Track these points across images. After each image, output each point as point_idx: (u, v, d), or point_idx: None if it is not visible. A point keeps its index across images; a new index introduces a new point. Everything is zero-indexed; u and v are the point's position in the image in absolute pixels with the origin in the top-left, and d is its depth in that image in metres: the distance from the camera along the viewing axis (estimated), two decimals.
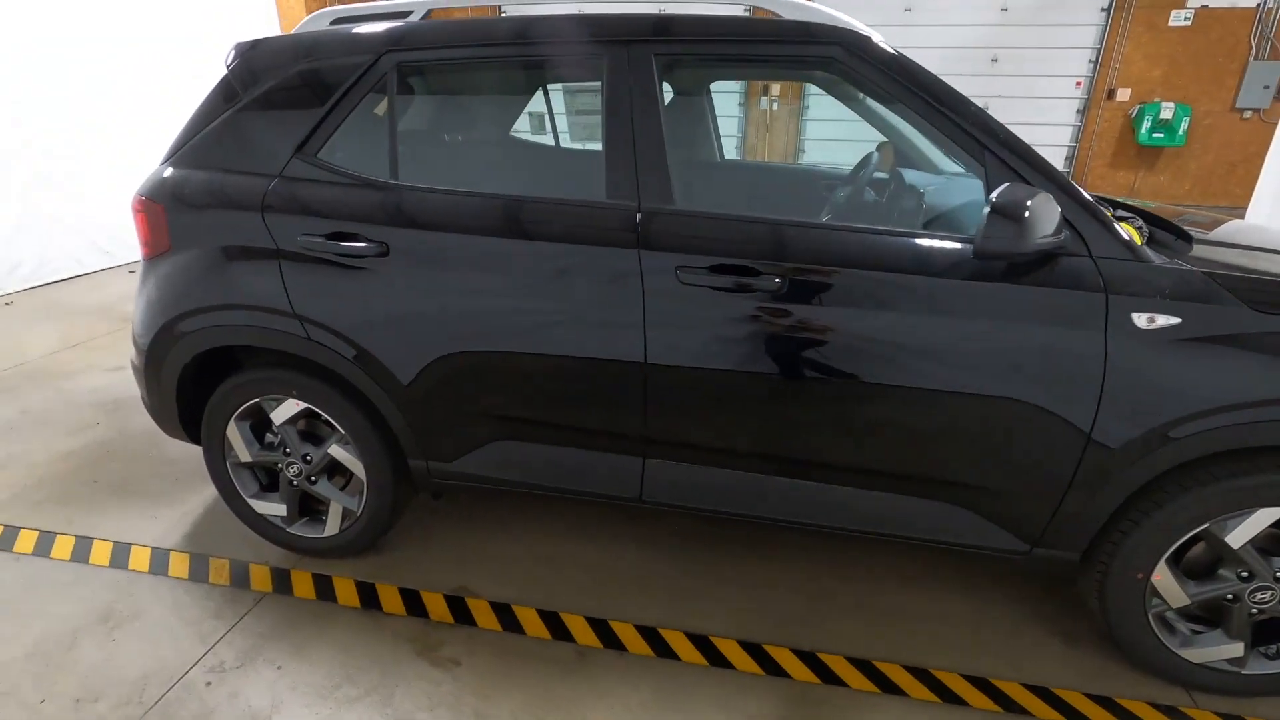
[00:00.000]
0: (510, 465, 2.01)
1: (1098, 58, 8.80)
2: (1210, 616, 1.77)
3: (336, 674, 1.84)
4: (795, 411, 1.76)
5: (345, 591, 2.14)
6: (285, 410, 2.09)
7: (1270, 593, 1.66)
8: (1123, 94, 8.90)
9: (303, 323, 1.94)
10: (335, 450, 2.10)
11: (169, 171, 2.06)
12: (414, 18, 2.00)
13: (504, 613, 2.06)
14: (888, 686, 1.82)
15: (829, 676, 1.85)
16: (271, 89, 1.98)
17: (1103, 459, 1.61)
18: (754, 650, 1.93)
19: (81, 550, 2.31)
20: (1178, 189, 9.06)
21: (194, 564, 2.25)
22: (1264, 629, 1.73)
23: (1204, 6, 8.40)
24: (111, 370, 3.75)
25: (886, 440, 1.74)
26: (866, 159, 2.74)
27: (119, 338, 4.26)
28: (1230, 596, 1.68)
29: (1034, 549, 1.77)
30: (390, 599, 2.11)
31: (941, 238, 1.65)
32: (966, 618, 2.06)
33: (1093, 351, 1.56)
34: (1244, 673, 1.74)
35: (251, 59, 2.03)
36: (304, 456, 2.14)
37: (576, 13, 1.91)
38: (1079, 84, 8.97)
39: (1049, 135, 9.22)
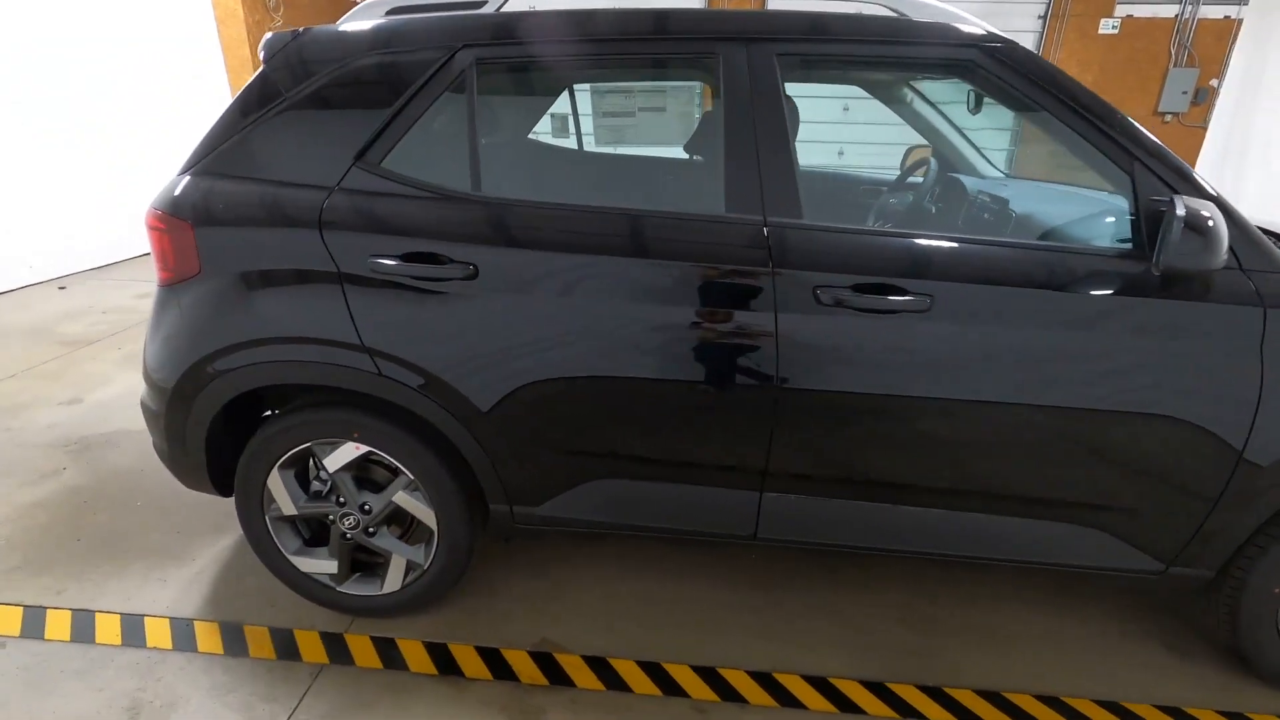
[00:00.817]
0: (609, 506, 1.82)
1: None
2: None
3: None
4: (938, 435, 1.65)
5: (415, 656, 1.89)
6: (342, 455, 1.83)
7: None
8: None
9: (373, 356, 1.69)
10: (400, 497, 1.85)
11: (193, 182, 1.77)
12: (488, 9, 1.78)
13: (601, 668, 1.87)
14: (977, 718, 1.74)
15: (964, 714, 1.76)
16: (323, 87, 1.72)
17: (1253, 476, 1.57)
18: (878, 690, 1.82)
19: (83, 627, 1.97)
20: None
21: (226, 635, 1.95)
22: None
23: (1129, 16, 8.91)
24: (67, 404, 3.29)
25: (1027, 463, 1.65)
26: (917, 165, 2.67)
27: (68, 364, 3.76)
28: None
29: (1170, 568, 1.72)
30: (470, 662, 1.88)
31: (1101, 253, 1.57)
32: (1076, 638, 2.01)
33: (1250, 366, 1.51)
34: None
35: (297, 52, 1.75)
36: (362, 506, 1.88)
37: (681, 8, 1.73)
38: None
39: (992, 139, 9.57)
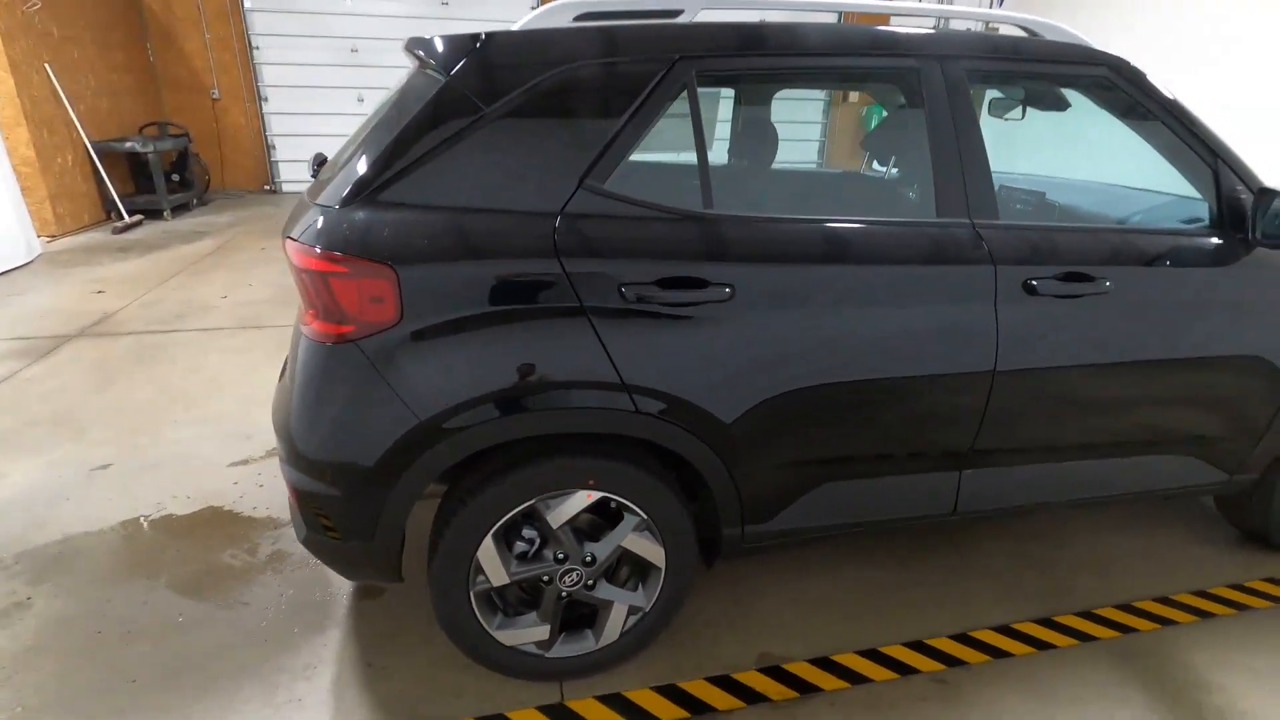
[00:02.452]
0: (833, 509, 1.86)
1: None
2: None
3: None
4: (1108, 396, 1.93)
5: (655, 704, 1.78)
6: (570, 507, 1.65)
7: None
8: (853, 95, 10.68)
9: (630, 393, 1.55)
10: (630, 540, 1.72)
11: (377, 216, 1.47)
12: (684, 17, 1.69)
13: (831, 666, 1.91)
14: (1165, 621, 2.11)
15: (1114, 625, 2.09)
16: (530, 101, 1.52)
17: None
18: (1046, 623, 2.08)
19: None
20: None
21: None
22: None
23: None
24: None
25: (1161, 409, 2.00)
26: None
27: None
28: None
29: (1233, 477, 2.19)
30: (712, 695, 1.81)
31: (1203, 234, 1.95)
32: (1158, 550, 2.45)
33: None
34: None
35: (490, 61, 1.53)
36: (584, 559, 1.71)
37: (889, 28, 1.80)
38: None
39: (805, 131, 10.70)
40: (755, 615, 2.09)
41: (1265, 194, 1.86)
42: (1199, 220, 2.04)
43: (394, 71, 8.99)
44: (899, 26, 1.70)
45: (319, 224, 1.48)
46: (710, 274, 1.57)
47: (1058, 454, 1.99)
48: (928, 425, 1.83)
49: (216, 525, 2.46)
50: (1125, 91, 1.89)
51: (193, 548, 2.33)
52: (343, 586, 2.17)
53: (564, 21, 1.62)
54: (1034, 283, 1.76)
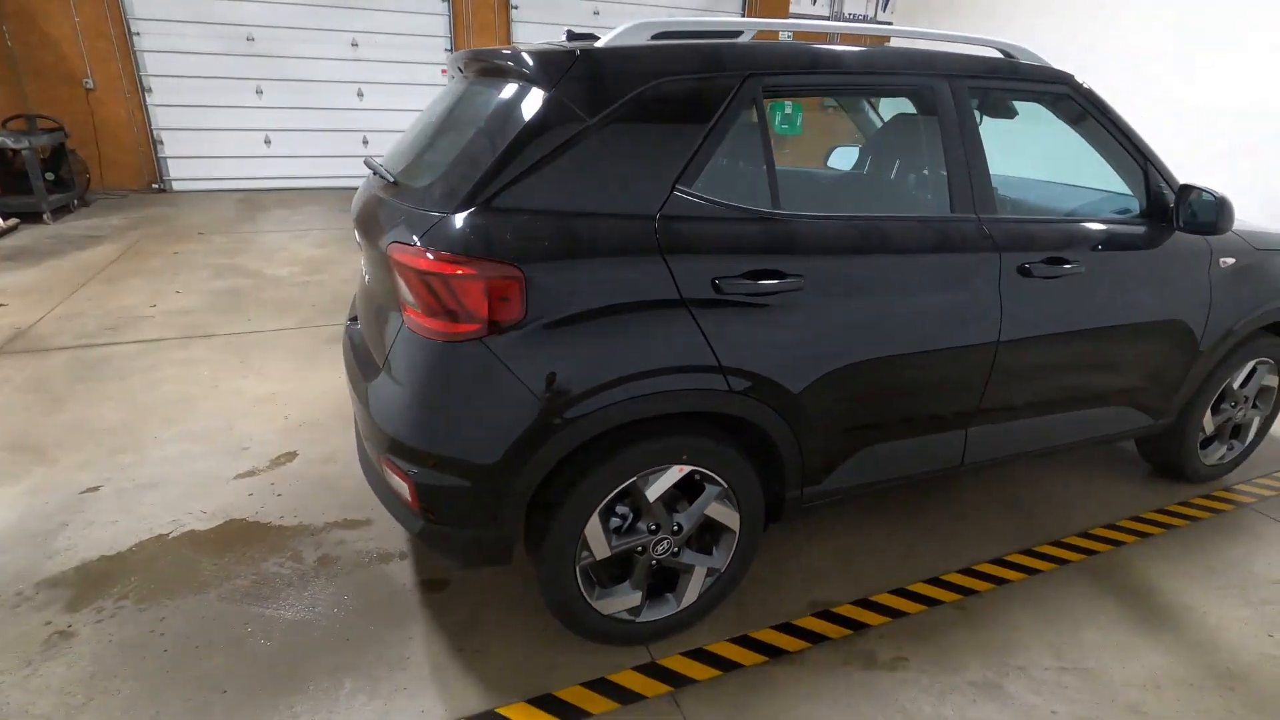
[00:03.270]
0: (872, 468, 2.13)
1: None
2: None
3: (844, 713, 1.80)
4: (1079, 358, 2.32)
5: (738, 653, 1.99)
6: (665, 481, 1.81)
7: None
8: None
9: (725, 374, 1.74)
10: (713, 508, 1.91)
11: (499, 220, 1.57)
12: (744, 38, 1.88)
13: (871, 605, 2.20)
14: (1116, 542, 2.56)
15: (1088, 551, 2.51)
16: (628, 112, 1.67)
17: (1199, 355, 2.56)
18: (1027, 553, 2.48)
19: None
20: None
21: (554, 709, 1.79)
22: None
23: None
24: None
25: (1116, 365, 2.42)
26: None
27: None
28: None
29: (1156, 421, 2.68)
30: (782, 640, 2.05)
31: (1140, 222, 2.37)
32: (1097, 488, 2.91)
33: (1205, 284, 2.47)
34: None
35: (591, 73, 1.66)
36: (674, 528, 1.89)
37: (908, 48, 2.06)
38: None
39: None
40: (796, 570, 2.34)
41: (1186, 190, 2.30)
42: (1130, 211, 2.48)
43: (297, 62, 8.56)
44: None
45: (441, 229, 1.56)
46: (786, 266, 1.78)
47: (1038, 409, 2.36)
48: (947, 389, 2.14)
49: (247, 537, 2.41)
50: (1079, 104, 2.28)
51: (231, 561, 2.28)
52: (404, 583, 2.22)
53: (644, 39, 1.77)
54: (1028, 266, 2.11)
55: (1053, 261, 2.15)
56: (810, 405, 1.89)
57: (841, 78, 1.96)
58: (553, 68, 1.65)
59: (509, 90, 1.73)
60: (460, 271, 1.54)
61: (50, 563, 2.24)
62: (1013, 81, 2.20)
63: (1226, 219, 2.25)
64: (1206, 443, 2.88)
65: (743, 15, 10.69)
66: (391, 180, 1.90)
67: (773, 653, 2.00)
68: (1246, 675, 2.00)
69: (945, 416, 2.19)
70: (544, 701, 1.81)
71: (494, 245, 1.55)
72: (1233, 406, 2.84)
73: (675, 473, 1.82)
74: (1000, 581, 2.33)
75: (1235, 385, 2.78)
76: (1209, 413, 2.78)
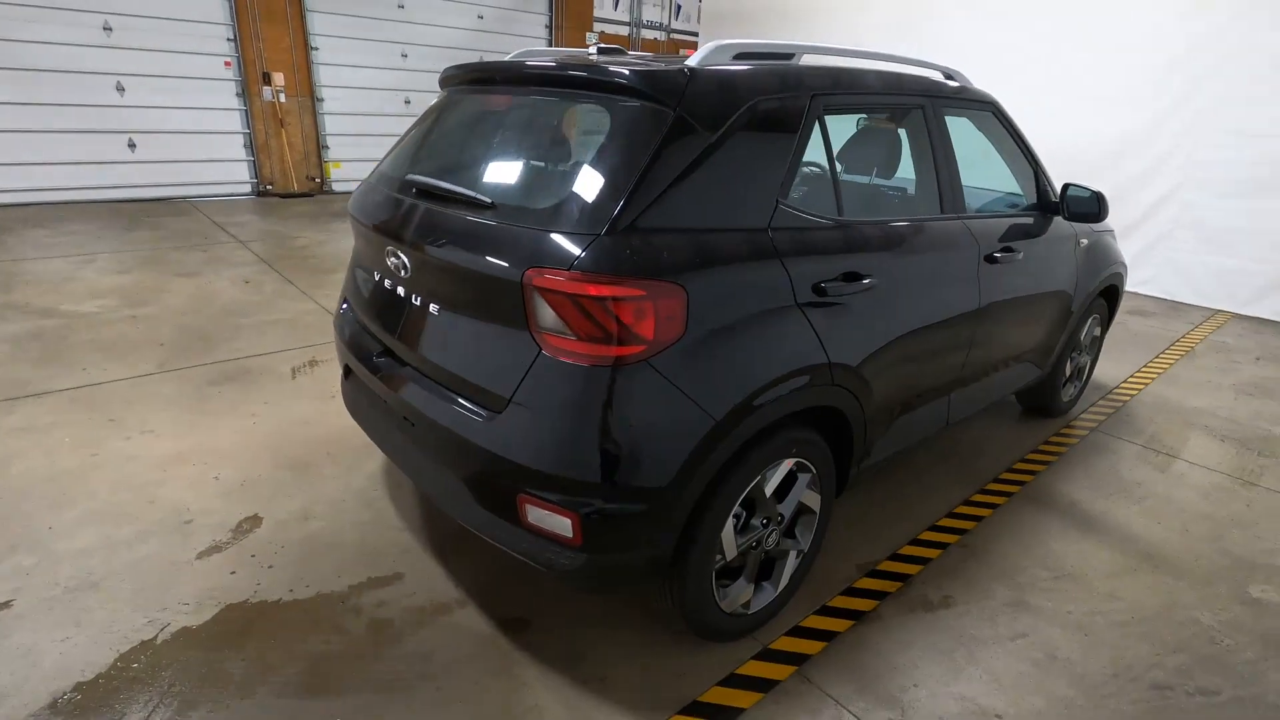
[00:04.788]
0: (898, 438, 2.42)
1: None
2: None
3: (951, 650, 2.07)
4: (1015, 325, 2.83)
5: (825, 623, 2.17)
6: (778, 476, 1.93)
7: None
8: None
9: (831, 369, 1.90)
10: (805, 494, 2.07)
11: (655, 240, 1.57)
12: (796, 59, 2.02)
13: (900, 558, 2.51)
14: (1033, 472, 3.17)
15: (1019, 483, 3.08)
16: (736, 131, 1.74)
17: (1073, 313, 3.27)
18: (981, 505, 2.99)
19: None
20: None
21: (705, 713, 1.82)
22: None
23: (603, 32, 11.44)
24: None
25: (1030, 328, 2.99)
26: None
27: None
28: None
29: (1042, 372, 3.35)
30: (855, 603, 2.26)
31: (1035, 213, 2.95)
32: (1001, 432, 3.54)
33: (1072, 260, 3.16)
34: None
35: (707, 91, 1.69)
36: (779, 519, 2.01)
37: (906, 73, 2.35)
38: None
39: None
40: (829, 540, 2.58)
41: (1068, 187, 2.92)
42: (1020, 205, 3.07)
43: (31, 49, 6.92)
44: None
45: (599, 252, 1.52)
46: (861, 267, 1.98)
47: (987, 370, 2.85)
48: (950, 357, 2.50)
49: (261, 621, 2.06)
50: (997, 119, 2.79)
51: (262, 651, 1.95)
52: (481, 630, 2.07)
53: (727, 60, 1.85)
54: (996, 255, 2.54)
55: (1006, 250, 2.61)
56: (873, 386, 2.12)
57: (873, 98, 2.21)
58: (670, 86, 1.67)
59: (621, 107, 1.70)
60: (626, 293, 1.51)
61: (16, 697, 1.73)
62: (963, 103, 2.62)
63: (1105, 208, 2.90)
64: (1064, 384, 3.66)
65: (549, 22, 10.77)
66: (479, 198, 1.75)
67: (854, 616, 2.21)
68: (1161, 554, 2.64)
69: (943, 382, 2.56)
70: (695, 709, 1.84)
71: (659, 265, 1.55)
72: (1078, 354, 3.63)
73: (786, 466, 1.94)
74: (978, 519, 2.79)
75: (1080, 336, 3.57)
76: (1068, 361, 3.54)
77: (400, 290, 1.99)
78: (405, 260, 1.90)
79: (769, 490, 1.92)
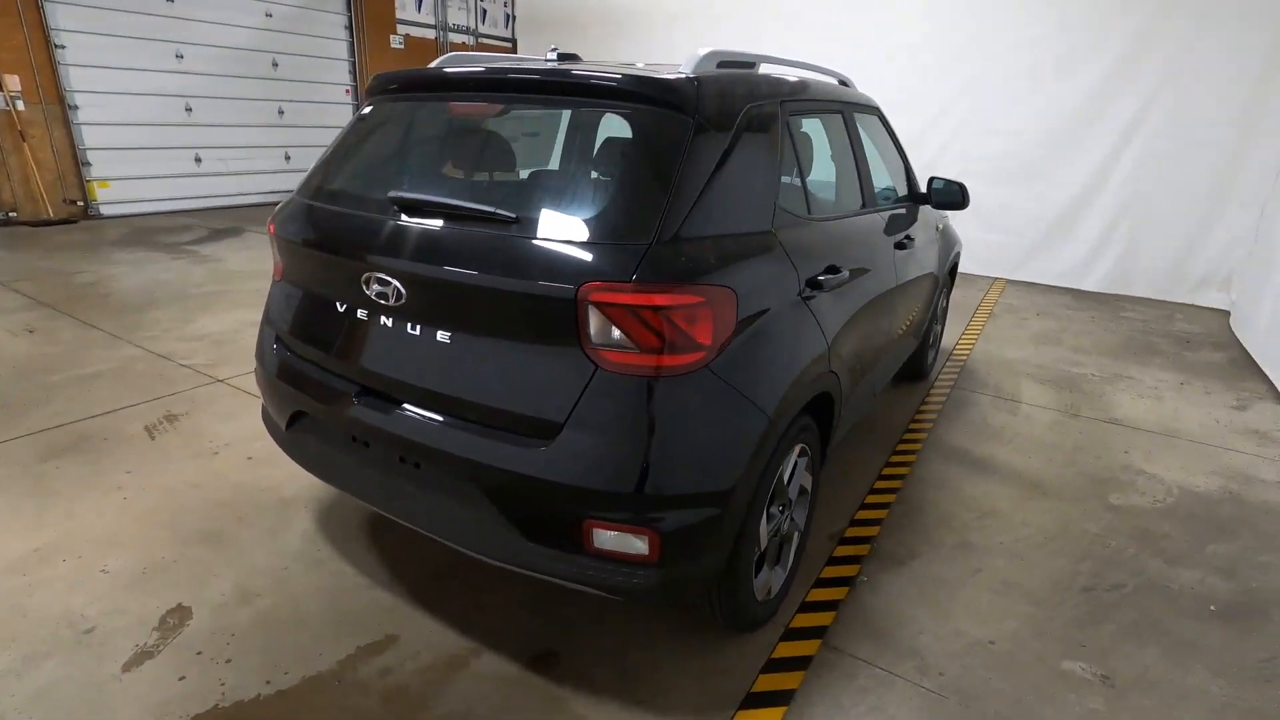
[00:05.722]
0: (852, 415, 2.63)
1: (353, 68, 10.25)
2: None
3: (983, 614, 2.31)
4: (908, 302, 3.19)
5: (829, 593, 2.31)
6: (790, 462, 2.02)
7: None
8: None
9: (829, 356, 2.03)
10: (804, 476, 2.18)
11: (703, 247, 1.58)
12: (760, 69, 2.11)
13: (859, 522, 2.75)
14: (924, 429, 3.61)
15: (919, 440, 3.50)
16: (740, 137, 1.79)
17: (940, 289, 3.77)
18: (905, 450, 3.35)
19: None
20: None
21: (764, 702, 1.86)
22: None
23: (408, 35, 10.85)
24: None
25: (919, 302, 3.39)
26: None
27: None
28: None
29: (916, 343, 3.82)
30: (843, 570, 2.44)
31: (911, 202, 3.36)
32: (888, 398, 3.96)
33: (937, 242, 3.65)
34: None
35: (713, 96, 1.72)
36: (788, 503, 2.11)
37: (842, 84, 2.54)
38: (348, 91, 10.25)
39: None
40: None
41: (933, 180, 3.36)
42: (894, 197, 3.48)
43: None
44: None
45: (657, 264, 1.49)
46: (835, 259, 2.14)
47: (895, 343, 3.19)
48: (881, 335, 2.76)
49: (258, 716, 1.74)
50: (879, 120, 3.13)
51: None
52: (510, 674, 1.93)
53: (712, 68, 1.89)
54: (905, 240, 2.87)
55: (907, 238, 2.96)
56: (847, 366, 2.29)
57: (817, 104, 2.38)
58: (686, 93, 1.68)
59: (641, 116, 1.67)
60: (689, 301, 1.51)
61: None
62: (863, 107, 2.91)
63: (966, 197, 3.38)
64: (928, 351, 4.21)
65: (348, 23, 10.01)
66: (501, 214, 1.62)
67: (845, 582, 2.39)
68: (1041, 482, 3.15)
69: (876, 361, 2.82)
70: (753, 700, 1.88)
71: (709, 270, 1.56)
72: (936, 323, 4.19)
73: (796, 452, 2.05)
74: (901, 477, 3.13)
75: (938, 308, 4.13)
76: (931, 331, 4.07)
77: (387, 320, 1.78)
78: (398, 286, 1.70)
79: (787, 478, 2.00)
